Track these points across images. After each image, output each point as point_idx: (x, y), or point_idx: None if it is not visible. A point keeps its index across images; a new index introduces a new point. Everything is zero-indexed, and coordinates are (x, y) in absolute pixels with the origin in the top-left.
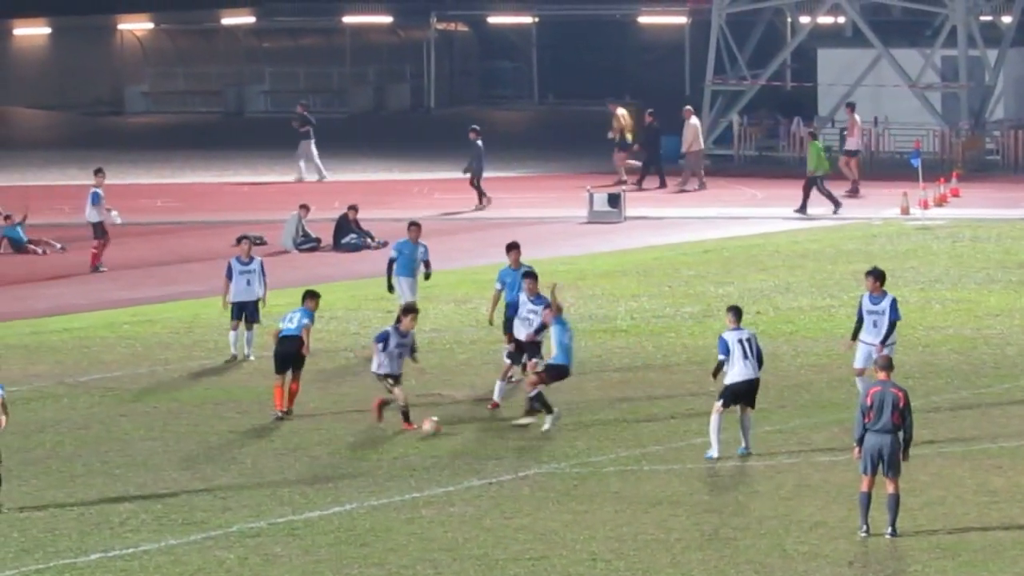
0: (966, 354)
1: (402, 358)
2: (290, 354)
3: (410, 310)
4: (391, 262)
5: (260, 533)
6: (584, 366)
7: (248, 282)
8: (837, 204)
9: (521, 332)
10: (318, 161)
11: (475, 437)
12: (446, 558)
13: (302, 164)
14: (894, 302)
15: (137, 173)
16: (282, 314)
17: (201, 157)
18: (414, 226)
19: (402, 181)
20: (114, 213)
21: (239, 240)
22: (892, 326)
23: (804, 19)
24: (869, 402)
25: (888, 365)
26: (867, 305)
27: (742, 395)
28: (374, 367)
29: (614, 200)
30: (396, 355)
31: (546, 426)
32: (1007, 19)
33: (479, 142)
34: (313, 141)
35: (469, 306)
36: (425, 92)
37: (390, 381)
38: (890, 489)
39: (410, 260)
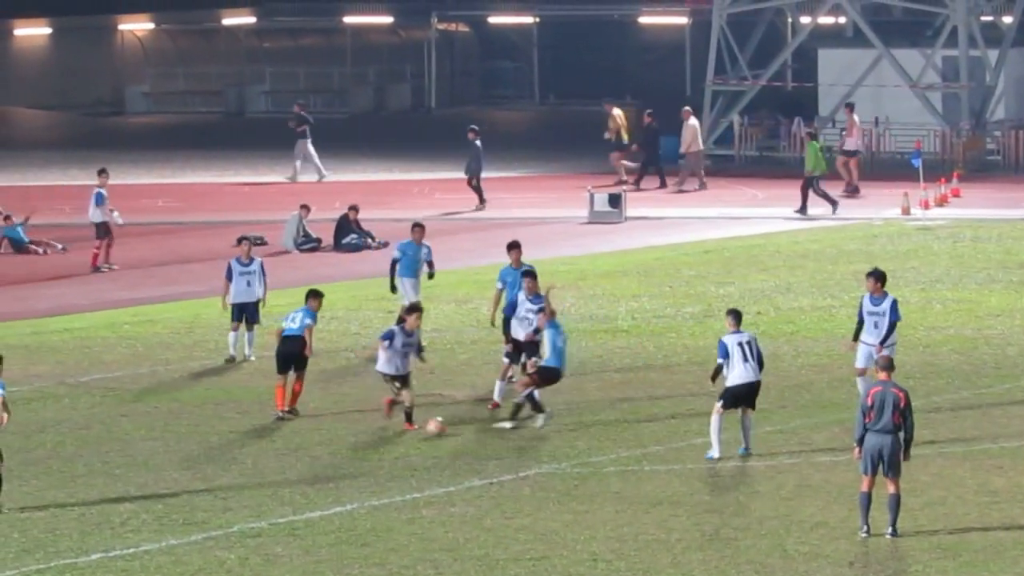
0: (967, 354)
1: (407, 357)
2: (292, 354)
3: (414, 309)
4: (394, 263)
5: (261, 533)
6: (585, 366)
7: (248, 283)
8: (834, 204)
9: (520, 332)
10: (317, 161)
11: (476, 437)
12: (447, 558)
13: (298, 164)
14: (895, 303)
15: (138, 173)
16: (283, 314)
17: (202, 157)
18: (418, 227)
19: (403, 181)
20: (116, 214)
21: (239, 241)
22: (892, 327)
23: (805, 19)
24: (870, 402)
25: (889, 365)
26: (868, 306)
27: (742, 398)
28: (379, 365)
29: (615, 200)
30: (402, 354)
31: (539, 423)
32: (1008, 19)
33: (478, 142)
34: (310, 140)
35: (470, 306)
36: (426, 92)
37: (397, 384)
38: (891, 489)
39: (413, 261)
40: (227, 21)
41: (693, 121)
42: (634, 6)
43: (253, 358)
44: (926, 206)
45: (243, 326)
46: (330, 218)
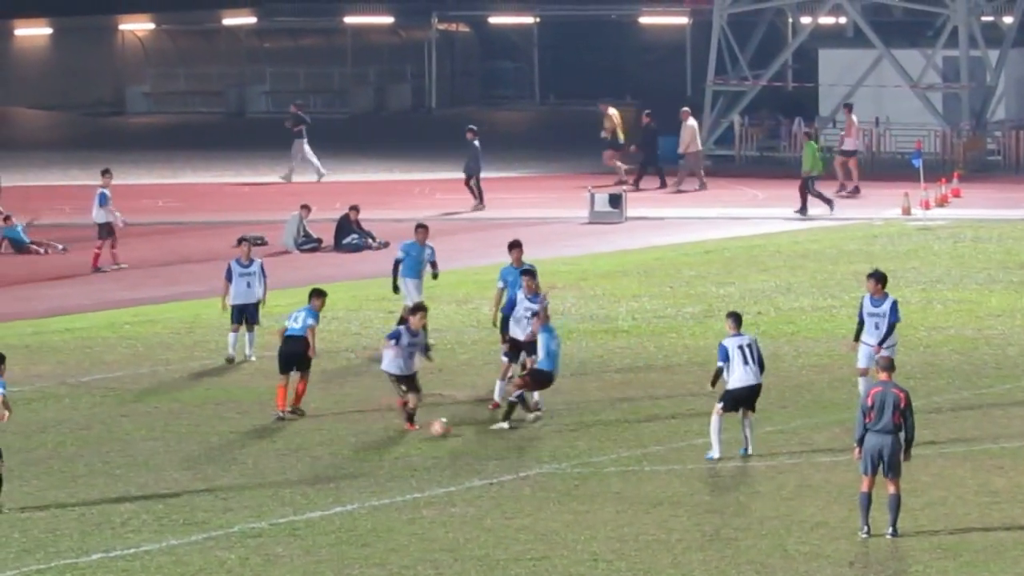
0: (968, 354)
1: (412, 358)
2: (294, 354)
3: (419, 308)
4: (397, 263)
5: (261, 533)
6: (585, 366)
7: (248, 284)
8: (830, 203)
9: (517, 330)
10: (314, 160)
11: (476, 437)
12: (447, 558)
13: (294, 164)
14: (895, 304)
15: (138, 173)
16: (284, 314)
17: (202, 157)
18: (421, 228)
19: (403, 181)
20: (118, 215)
21: (239, 242)
22: (891, 328)
23: (805, 19)
24: (870, 402)
25: (890, 366)
26: (868, 307)
27: (743, 400)
28: (384, 364)
29: (615, 200)
30: (407, 354)
31: (529, 418)
32: (1008, 19)
33: (476, 142)
34: (306, 140)
35: (470, 306)
36: (426, 92)
37: (403, 387)
38: (891, 489)
39: (417, 261)
40: (227, 21)
41: (692, 122)
42: (634, 6)
43: (254, 358)
44: (927, 206)
45: (243, 327)
46: (331, 218)
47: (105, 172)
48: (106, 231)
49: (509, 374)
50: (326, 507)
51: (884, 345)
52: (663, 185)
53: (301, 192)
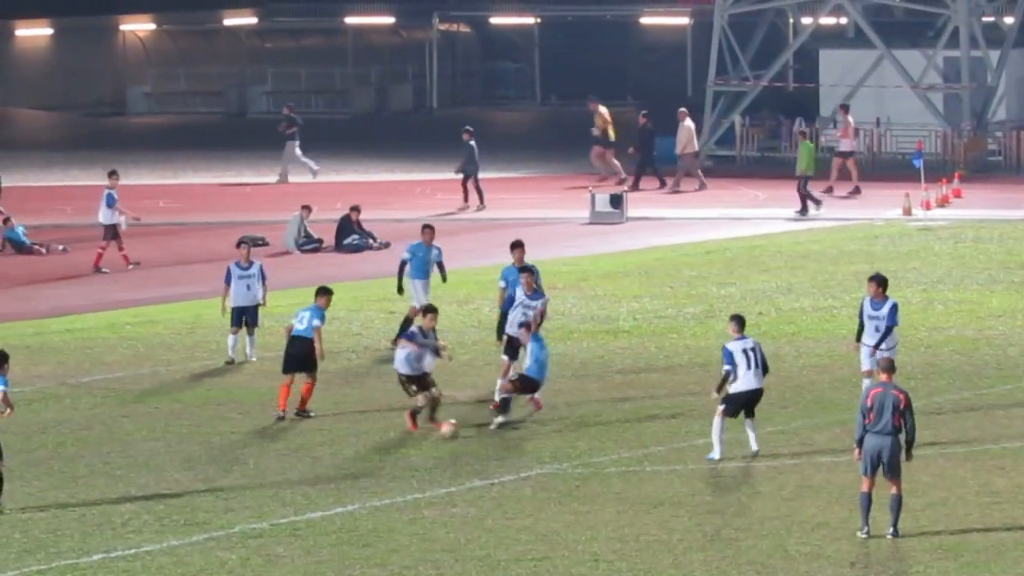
0: (968, 355)
1: (422, 359)
2: (299, 355)
3: (429, 310)
4: (403, 264)
5: (262, 534)
6: (586, 367)
7: (248, 287)
8: (818, 203)
9: (515, 327)
10: (306, 161)
11: (477, 438)
12: (448, 559)
13: (288, 166)
14: (893, 308)
15: (139, 174)
16: (285, 315)
17: (203, 158)
18: (428, 228)
19: (404, 182)
20: (124, 218)
21: (239, 243)
22: (888, 331)
23: (806, 20)
24: (869, 403)
25: (890, 367)
26: (868, 310)
27: (745, 404)
28: (396, 363)
29: (616, 201)
30: (417, 355)
31: (497, 419)
32: (1009, 20)
33: (472, 143)
34: (298, 143)
35: (471, 307)
36: (427, 93)
37: (413, 387)
38: (892, 490)
39: (424, 262)
40: (228, 21)
41: (689, 122)
42: (635, 7)
43: (254, 359)
44: (927, 207)
45: (243, 328)
46: (331, 219)
47: (112, 173)
48: (111, 232)
49: (510, 374)
50: (327, 507)
51: (883, 347)
52: (662, 185)
53: (302, 193)
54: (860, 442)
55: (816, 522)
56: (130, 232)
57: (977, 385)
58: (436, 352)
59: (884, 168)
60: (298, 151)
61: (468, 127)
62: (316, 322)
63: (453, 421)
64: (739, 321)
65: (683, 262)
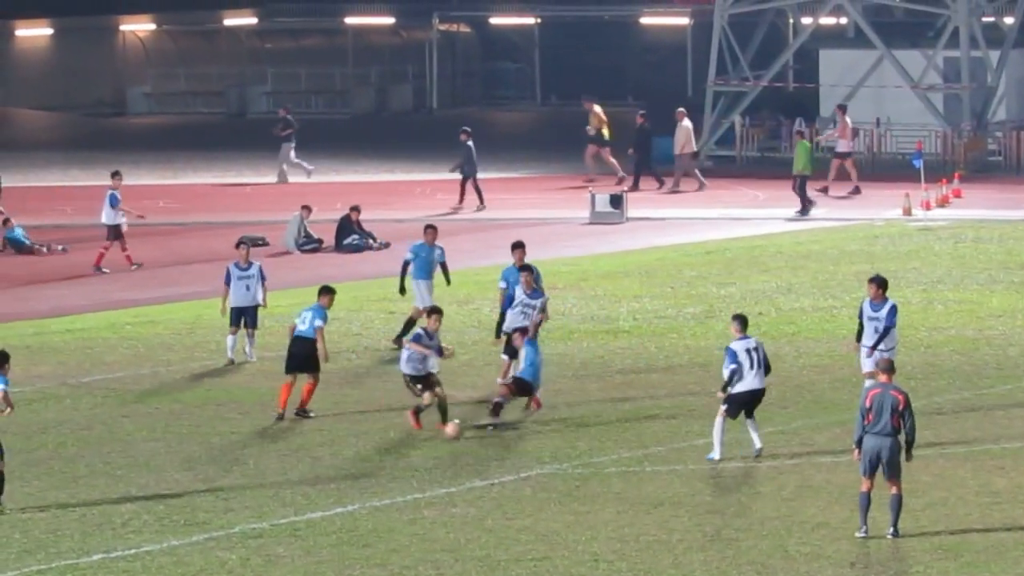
0: (968, 355)
1: (427, 360)
2: (302, 355)
3: (433, 311)
4: (406, 264)
5: (262, 534)
6: (586, 367)
7: (247, 287)
8: (811, 204)
9: (514, 326)
10: (298, 161)
11: (477, 438)
12: (448, 559)
13: (285, 167)
14: (892, 310)
15: (139, 174)
16: (285, 315)
17: (203, 158)
18: (430, 228)
19: (404, 182)
20: (124, 218)
21: (239, 244)
22: (885, 332)
23: (806, 20)
24: (868, 404)
25: (889, 368)
26: (868, 311)
27: (747, 404)
28: (401, 364)
29: (616, 201)
30: (421, 357)
31: (484, 420)
32: (1009, 20)
33: (470, 143)
34: (294, 145)
35: (471, 307)
36: (427, 93)
37: (419, 386)
38: (892, 490)
39: (427, 262)
40: (228, 22)
41: (687, 122)
42: (635, 7)
43: (254, 359)
44: (927, 207)
45: (242, 329)
46: (331, 219)
47: (115, 174)
48: (114, 233)
49: (510, 374)
50: (327, 508)
51: (882, 348)
52: (660, 185)
53: (302, 193)
54: (859, 443)
55: (816, 522)
56: (130, 232)
57: (977, 385)
58: (440, 353)
59: (884, 168)
60: (292, 153)
61: (466, 128)
62: (318, 322)
63: (457, 422)
64: (742, 321)
65: (683, 262)
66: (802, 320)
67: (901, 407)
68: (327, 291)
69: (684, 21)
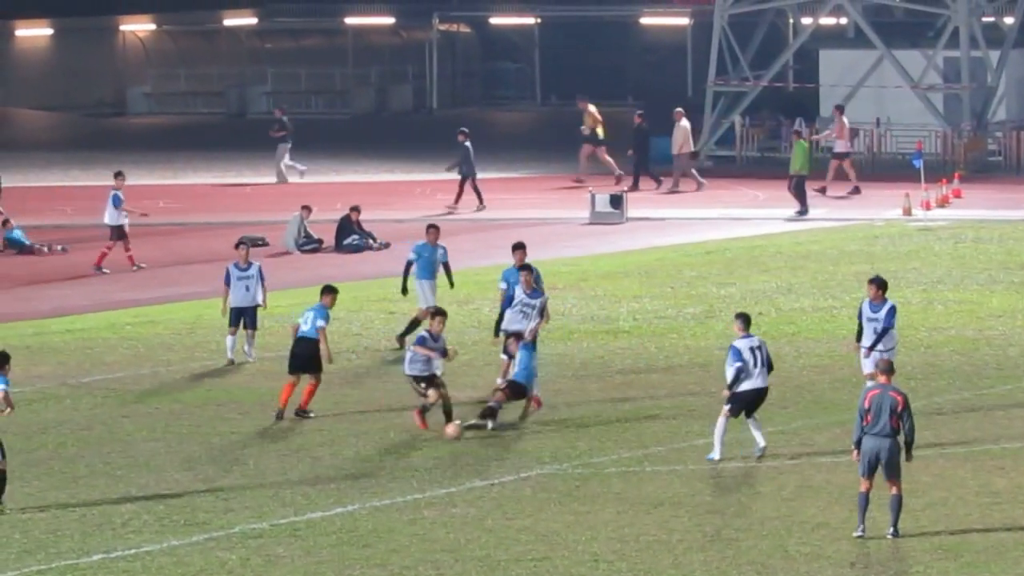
0: (968, 355)
1: (431, 361)
2: (304, 356)
3: (437, 313)
4: (408, 264)
5: (262, 534)
6: (586, 367)
7: (247, 288)
8: (803, 205)
9: (514, 324)
10: (291, 163)
11: (477, 438)
12: (448, 559)
13: (283, 167)
14: (890, 311)
15: (139, 174)
16: (286, 315)
17: (203, 158)
18: (433, 228)
19: (404, 182)
20: (127, 219)
21: (238, 244)
22: (883, 333)
23: (806, 20)
24: (867, 405)
25: (889, 369)
26: (867, 312)
27: (750, 404)
28: (405, 367)
29: (616, 201)
30: (425, 358)
31: (474, 421)
32: (1009, 20)
33: (467, 144)
34: (289, 146)
35: (471, 307)
36: (427, 93)
37: (423, 385)
38: (892, 490)
39: (429, 262)
40: (229, 22)
41: (685, 122)
42: (635, 7)
43: (254, 359)
44: (927, 207)
45: (242, 330)
46: (331, 219)
47: (118, 174)
48: (118, 233)
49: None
50: (327, 508)
51: (880, 349)
52: (659, 185)
53: (302, 193)
54: (858, 444)
55: (816, 522)
56: (131, 232)
57: (977, 385)
58: (444, 354)
59: (884, 168)
60: (287, 155)
61: (464, 128)
62: (320, 323)
63: (458, 422)
64: (745, 319)
65: (683, 262)
66: (802, 320)
67: (900, 408)
68: (329, 290)
69: (684, 21)
